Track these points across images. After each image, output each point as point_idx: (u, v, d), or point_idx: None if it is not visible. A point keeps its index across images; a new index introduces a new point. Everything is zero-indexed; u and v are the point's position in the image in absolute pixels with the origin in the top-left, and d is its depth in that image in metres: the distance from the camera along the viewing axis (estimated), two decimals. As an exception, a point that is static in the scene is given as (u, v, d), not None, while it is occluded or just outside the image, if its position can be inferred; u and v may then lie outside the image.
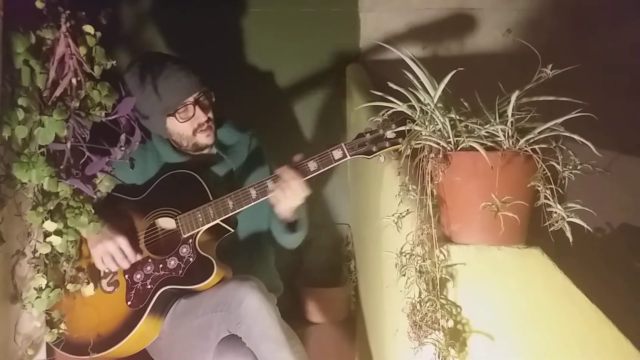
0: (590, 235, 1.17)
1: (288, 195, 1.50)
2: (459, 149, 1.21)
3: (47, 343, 1.51)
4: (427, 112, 1.28)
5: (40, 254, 1.41)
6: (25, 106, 1.29)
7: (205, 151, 1.75)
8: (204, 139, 1.68)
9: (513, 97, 1.18)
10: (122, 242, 1.53)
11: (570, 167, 1.17)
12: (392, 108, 1.36)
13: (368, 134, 1.48)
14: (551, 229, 1.17)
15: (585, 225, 1.15)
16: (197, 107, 1.64)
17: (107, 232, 1.51)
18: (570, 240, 1.14)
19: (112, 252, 1.53)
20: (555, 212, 1.16)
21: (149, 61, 1.66)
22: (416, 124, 1.30)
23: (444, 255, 1.24)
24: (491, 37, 2.22)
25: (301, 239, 1.75)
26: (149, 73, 1.61)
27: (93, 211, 1.44)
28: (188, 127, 1.65)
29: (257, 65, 2.22)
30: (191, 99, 1.63)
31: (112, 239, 1.52)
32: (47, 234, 1.39)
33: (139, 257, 1.56)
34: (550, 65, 1.22)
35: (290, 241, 1.74)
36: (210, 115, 1.69)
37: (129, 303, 1.54)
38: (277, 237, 1.76)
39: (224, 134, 1.77)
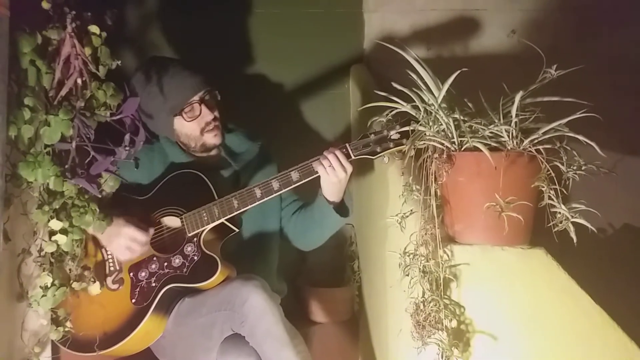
0: (594, 236, 1.17)
1: (333, 170, 1.50)
2: (463, 149, 1.22)
3: (53, 341, 1.52)
4: (431, 113, 1.28)
5: (45, 252, 1.41)
6: (31, 106, 1.29)
7: (213, 152, 1.75)
8: (211, 138, 1.69)
9: (517, 98, 1.18)
10: (130, 232, 1.54)
11: (575, 168, 1.18)
12: (396, 108, 1.36)
13: (372, 135, 1.49)
14: (555, 229, 1.17)
15: (589, 226, 1.15)
16: (202, 106, 1.65)
17: (113, 228, 1.52)
18: (575, 240, 1.14)
19: (126, 245, 1.54)
20: (560, 213, 1.16)
21: (153, 64, 1.68)
22: (420, 125, 1.30)
23: (448, 256, 1.24)
24: (495, 37, 2.22)
25: (343, 224, 1.70)
26: (154, 74, 1.63)
27: (98, 210, 1.45)
28: (195, 127, 1.66)
29: (261, 66, 2.22)
30: (197, 97, 1.64)
31: (119, 235, 1.53)
32: (52, 233, 1.40)
33: (151, 232, 1.57)
34: (555, 66, 1.23)
35: (334, 224, 1.69)
36: (217, 114, 1.69)
37: (134, 301, 1.54)
38: (310, 228, 1.73)
39: (233, 140, 1.78)
